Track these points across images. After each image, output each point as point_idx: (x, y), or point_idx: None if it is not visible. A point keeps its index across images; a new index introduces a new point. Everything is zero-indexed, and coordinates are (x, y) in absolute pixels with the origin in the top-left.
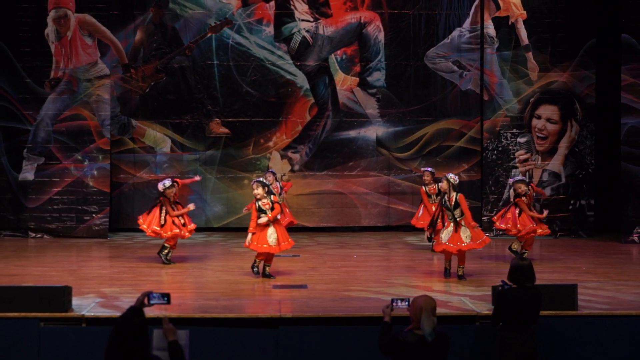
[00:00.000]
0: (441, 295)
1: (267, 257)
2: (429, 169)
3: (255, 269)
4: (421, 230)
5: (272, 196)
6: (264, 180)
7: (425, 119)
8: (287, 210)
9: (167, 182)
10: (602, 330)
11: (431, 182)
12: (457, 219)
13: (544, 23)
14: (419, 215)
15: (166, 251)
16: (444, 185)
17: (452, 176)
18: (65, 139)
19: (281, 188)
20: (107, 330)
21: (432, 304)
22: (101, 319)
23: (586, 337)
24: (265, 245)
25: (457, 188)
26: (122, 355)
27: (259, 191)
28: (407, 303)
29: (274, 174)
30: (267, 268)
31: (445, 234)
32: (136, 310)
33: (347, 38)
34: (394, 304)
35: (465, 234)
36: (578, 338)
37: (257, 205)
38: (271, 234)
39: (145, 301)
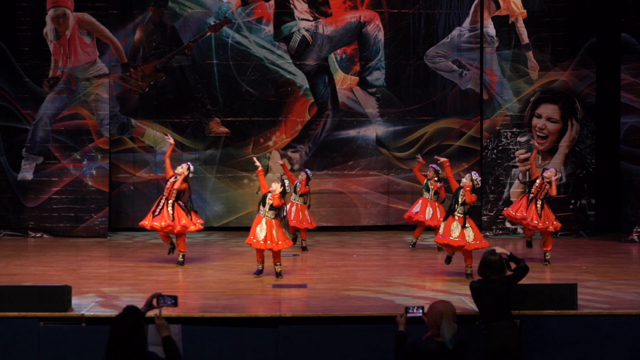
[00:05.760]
0: (441, 294)
1: (273, 255)
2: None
3: (258, 269)
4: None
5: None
6: (286, 185)
7: (425, 118)
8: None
9: (192, 167)
10: (602, 330)
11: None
12: (458, 215)
13: (544, 22)
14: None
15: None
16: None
17: (476, 177)
18: (64, 138)
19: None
20: (106, 329)
21: (452, 309)
22: (101, 318)
23: (586, 337)
24: (254, 240)
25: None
26: (120, 354)
27: (276, 187)
28: (422, 311)
29: (306, 173)
30: (276, 267)
31: (456, 229)
32: (131, 311)
33: (346, 37)
34: (408, 311)
35: (468, 232)
36: (578, 338)
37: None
38: (260, 230)
39: (154, 302)
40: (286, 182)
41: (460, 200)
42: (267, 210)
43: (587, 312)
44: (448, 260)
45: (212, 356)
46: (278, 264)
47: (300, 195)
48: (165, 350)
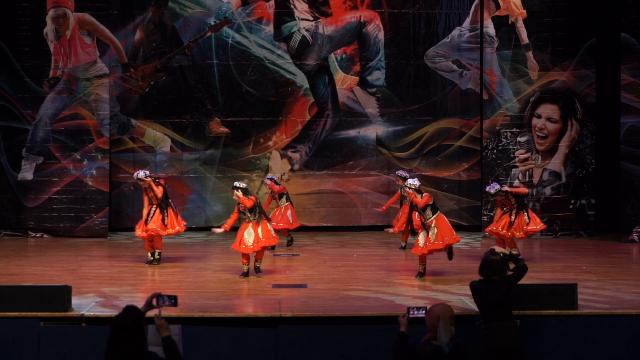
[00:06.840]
0: (441, 294)
1: (257, 252)
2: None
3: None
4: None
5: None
6: (242, 186)
7: (425, 118)
8: (287, 214)
9: (141, 174)
10: (602, 330)
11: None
12: (427, 221)
13: (544, 22)
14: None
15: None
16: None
17: (411, 182)
18: (64, 138)
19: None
20: (106, 329)
21: (450, 312)
22: (101, 318)
23: (586, 337)
24: (242, 246)
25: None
26: (120, 354)
27: (236, 195)
28: (424, 311)
29: (269, 179)
30: (257, 263)
31: (422, 238)
32: (131, 310)
33: (347, 37)
34: (411, 312)
35: (432, 233)
36: (578, 338)
37: (238, 207)
38: (248, 235)
39: (154, 302)
40: (237, 184)
41: (418, 209)
42: (249, 215)
43: (587, 312)
44: (419, 275)
45: (212, 356)
46: (259, 260)
47: (280, 198)
48: (165, 351)
